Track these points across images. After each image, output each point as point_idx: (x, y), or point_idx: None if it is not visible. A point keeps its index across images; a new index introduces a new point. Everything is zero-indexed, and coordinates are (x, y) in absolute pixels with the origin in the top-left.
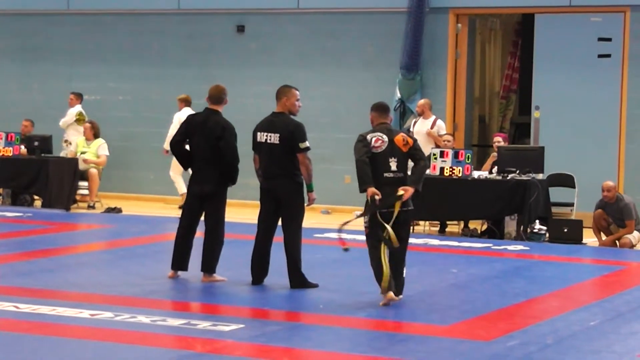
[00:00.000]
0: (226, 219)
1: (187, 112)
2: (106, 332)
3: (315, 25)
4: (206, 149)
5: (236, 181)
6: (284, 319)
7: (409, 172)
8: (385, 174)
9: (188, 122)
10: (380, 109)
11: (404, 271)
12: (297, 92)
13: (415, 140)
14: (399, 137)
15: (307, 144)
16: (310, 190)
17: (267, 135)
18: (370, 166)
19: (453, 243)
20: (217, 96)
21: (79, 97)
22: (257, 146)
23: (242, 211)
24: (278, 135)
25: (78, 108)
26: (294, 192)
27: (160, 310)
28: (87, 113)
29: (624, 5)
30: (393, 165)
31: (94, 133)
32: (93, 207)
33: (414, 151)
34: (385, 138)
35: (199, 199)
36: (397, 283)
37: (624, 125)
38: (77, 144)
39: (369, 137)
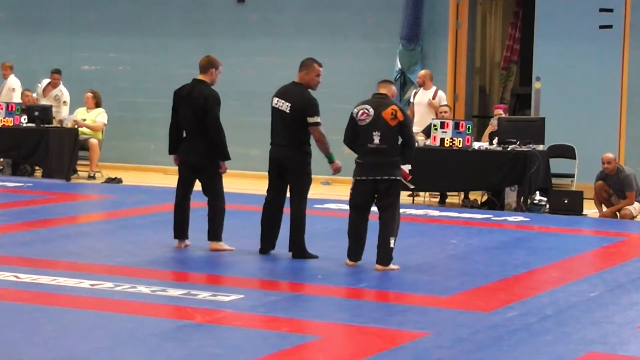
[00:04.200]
0: (227, 190)
1: (13, 78)
2: (106, 302)
3: None
4: (192, 119)
5: (229, 156)
6: (284, 290)
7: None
8: (369, 145)
9: (175, 95)
10: (384, 80)
11: (391, 241)
12: (319, 68)
13: (405, 116)
14: (388, 111)
15: (316, 119)
16: (330, 161)
17: (280, 102)
18: (356, 142)
19: (453, 214)
20: (203, 65)
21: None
22: (271, 111)
23: (242, 182)
24: (289, 105)
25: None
26: (300, 163)
27: (160, 280)
28: (87, 83)
29: None
30: (376, 139)
31: (96, 102)
32: (93, 178)
33: (402, 129)
34: (371, 111)
35: (189, 168)
36: (381, 252)
37: (625, 97)
38: (77, 112)
39: (356, 109)
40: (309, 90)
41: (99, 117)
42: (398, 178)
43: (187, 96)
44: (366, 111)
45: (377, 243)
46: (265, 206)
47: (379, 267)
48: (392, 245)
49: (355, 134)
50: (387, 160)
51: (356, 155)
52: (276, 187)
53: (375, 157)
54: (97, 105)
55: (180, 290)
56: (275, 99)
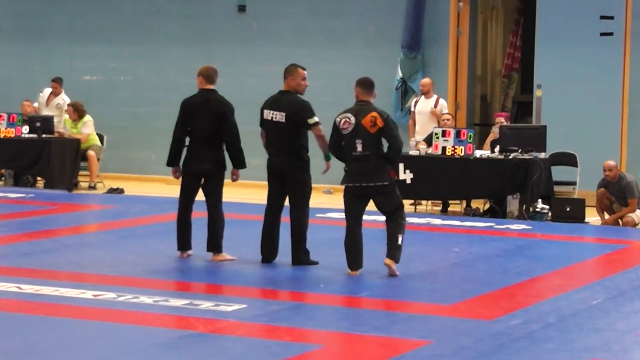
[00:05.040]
0: (229, 200)
1: None
2: (109, 312)
3: (316, 4)
4: (208, 128)
5: (245, 164)
6: (286, 299)
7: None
8: (353, 153)
9: (186, 106)
10: (364, 85)
11: (399, 238)
12: (304, 72)
13: (386, 122)
14: (367, 119)
15: (315, 119)
16: (327, 159)
17: (273, 113)
18: (340, 150)
19: (455, 222)
20: (211, 76)
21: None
22: (263, 123)
23: (243, 191)
24: (284, 114)
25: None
26: (300, 170)
27: (163, 290)
28: (89, 93)
29: None
30: (359, 147)
31: (78, 114)
32: (94, 188)
33: (384, 135)
34: (353, 120)
35: (197, 178)
36: (390, 248)
37: (626, 104)
38: (65, 122)
39: (338, 119)
40: (298, 95)
41: (83, 127)
42: (386, 183)
43: (203, 106)
44: (347, 120)
45: (387, 241)
46: (265, 216)
47: (388, 261)
48: (399, 242)
49: (338, 142)
50: (371, 166)
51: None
52: (275, 196)
53: (360, 165)
54: (81, 116)
55: (182, 300)
56: (267, 111)
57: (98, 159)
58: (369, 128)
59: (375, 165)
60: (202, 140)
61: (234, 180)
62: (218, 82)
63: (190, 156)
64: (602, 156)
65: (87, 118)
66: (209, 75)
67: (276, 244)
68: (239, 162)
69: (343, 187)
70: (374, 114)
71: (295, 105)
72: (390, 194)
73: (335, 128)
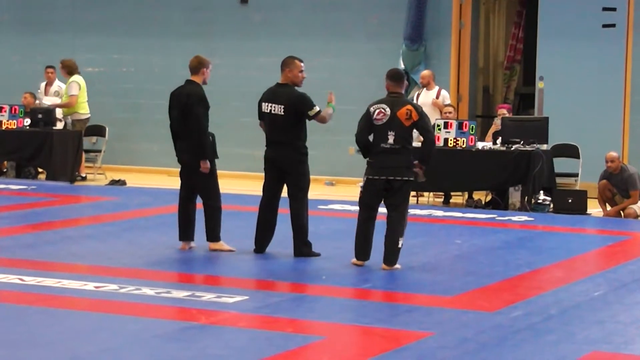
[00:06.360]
0: (229, 191)
1: None
2: (111, 304)
3: None
4: (180, 119)
5: (207, 154)
6: (288, 290)
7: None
8: (382, 144)
9: (170, 96)
10: (394, 77)
11: (400, 241)
12: (301, 64)
13: (420, 115)
14: (403, 111)
15: (316, 109)
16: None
17: (271, 106)
18: (368, 141)
19: (457, 214)
20: (194, 66)
21: None
22: (261, 116)
23: (247, 183)
24: (282, 106)
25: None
26: (299, 162)
27: (165, 282)
28: (91, 85)
29: None
30: (390, 139)
31: (68, 71)
32: (84, 179)
33: (418, 129)
34: (388, 111)
35: (185, 168)
36: (389, 252)
37: (629, 95)
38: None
39: (372, 108)
40: (295, 87)
41: (69, 88)
42: (411, 179)
43: (177, 97)
44: (382, 110)
45: (385, 243)
46: (261, 207)
47: (385, 267)
48: (400, 245)
49: (368, 132)
50: (400, 160)
51: (358, 154)
52: (272, 188)
53: (388, 157)
54: (71, 73)
55: (184, 291)
56: (265, 104)
57: (100, 151)
58: (404, 121)
59: (404, 159)
60: (179, 131)
61: (203, 171)
62: (220, 74)
63: (177, 147)
64: (604, 148)
65: (75, 78)
66: (191, 66)
67: (270, 236)
68: (201, 153)
69: (344, 178)
70: (409, 107)
71: (294, 99)
72: (409, 190)
73: (368, 118)
